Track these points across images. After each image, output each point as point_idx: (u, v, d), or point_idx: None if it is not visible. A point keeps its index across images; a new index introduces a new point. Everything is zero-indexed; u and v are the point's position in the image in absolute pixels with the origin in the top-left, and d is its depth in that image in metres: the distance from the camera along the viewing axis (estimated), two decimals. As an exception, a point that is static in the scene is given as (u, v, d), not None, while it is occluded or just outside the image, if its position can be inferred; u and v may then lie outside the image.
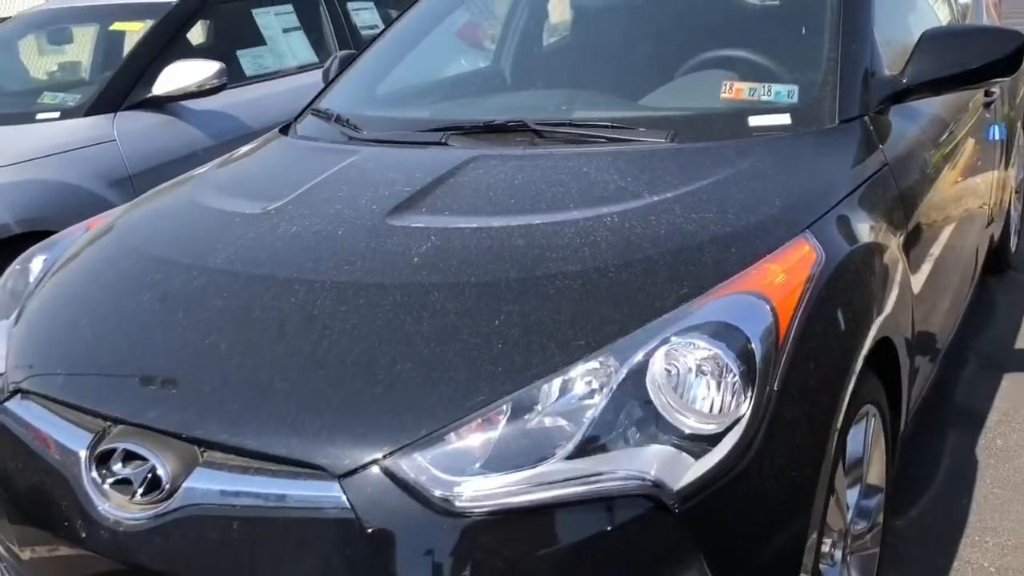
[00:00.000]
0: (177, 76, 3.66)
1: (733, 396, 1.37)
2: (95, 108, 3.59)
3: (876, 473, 1.89)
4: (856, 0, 2.23)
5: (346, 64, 2.96)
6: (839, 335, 1.56)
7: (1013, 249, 4.14)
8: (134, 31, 3.95)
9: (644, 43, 2.56)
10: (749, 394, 1.38)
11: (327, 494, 1.34)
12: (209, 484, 1.43)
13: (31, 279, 2.12)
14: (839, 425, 1.51)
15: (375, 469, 1.33)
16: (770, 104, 2.08)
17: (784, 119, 2.02)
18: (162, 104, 3.70)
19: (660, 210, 1.69)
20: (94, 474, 1.52)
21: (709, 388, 1.38)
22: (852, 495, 1.78)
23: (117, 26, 4.03)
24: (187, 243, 1.91)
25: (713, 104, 2.13)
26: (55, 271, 2.04)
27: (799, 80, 2.12)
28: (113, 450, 1.52)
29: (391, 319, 1.51)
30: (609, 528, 1.30)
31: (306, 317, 1.56)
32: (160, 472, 1.45)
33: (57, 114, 3.58)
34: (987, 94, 2.96)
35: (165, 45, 3.84)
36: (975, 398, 2.98)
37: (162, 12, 3.95)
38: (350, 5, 4.77)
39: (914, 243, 2.05)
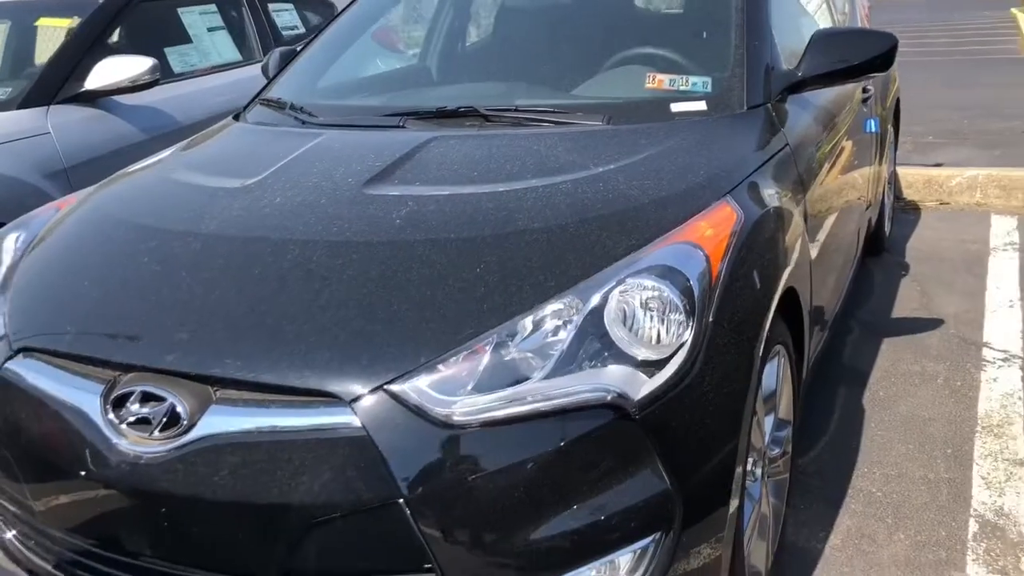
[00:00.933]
0: (110, 71, 3.75)
1: (677, 326, 1.66)
2: (28, 101, 3.65)
3: (785, 407, 2.22)
4: (757, 5, 2.57)
5: (287, 60, 3.14)
6: (758, 279, 1.86)
7: (888, 234, 4.62)
8: (61, 27, 4.00)
9: (571, 42, 2.85)
10: (691, 324, 1.66)
11: (340, 418, 1.55)
12: (225, 418, 1.62)
13: (7, 255, 2.24)
14: (760, 353, 1.81)
15: (382, 393, 1.55)
16: (688, 93, 2.39)
17: (701, 105, 2.34)
18: (94, 99, 3.78)
19: (606, 178, 1.97)
20: (111, 416, 1.68)
21: (656, 320, 1.66)
22: (768, 422, 2.09)
23: (43, 22, 4.07)
24: (175, 214, 2.08)
25: (640, 93, 2.43)
26: (39, 243, 2.17)
27: (712, 73, 2.44)
28: (128, 395, 1.69)
29: (384, 269, 1.74)
30: (581, 433, 1.56)
31: (305, 271, 1.77)
32: (179, 409, 1.63)
33: (-10, 107, 3.63)
34: (864, 91, 3.37)
35: (95, 41, 3.91)
36: (860, 359, 3.38)
37: (89, 9, 4.02)
38: (271, 6, 4.92)
39: (810, 215, 2.39)
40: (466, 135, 2.27)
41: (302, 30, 5.07)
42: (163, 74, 4.00)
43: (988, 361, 3.29)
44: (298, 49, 3.24)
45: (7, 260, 2.21)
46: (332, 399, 1.56)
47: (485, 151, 2.16)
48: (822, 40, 2.47)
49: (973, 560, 2.24)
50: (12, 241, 2.29)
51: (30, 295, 1.97)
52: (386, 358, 1.59)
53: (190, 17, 4.46)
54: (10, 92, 3.74)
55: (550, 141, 2.18)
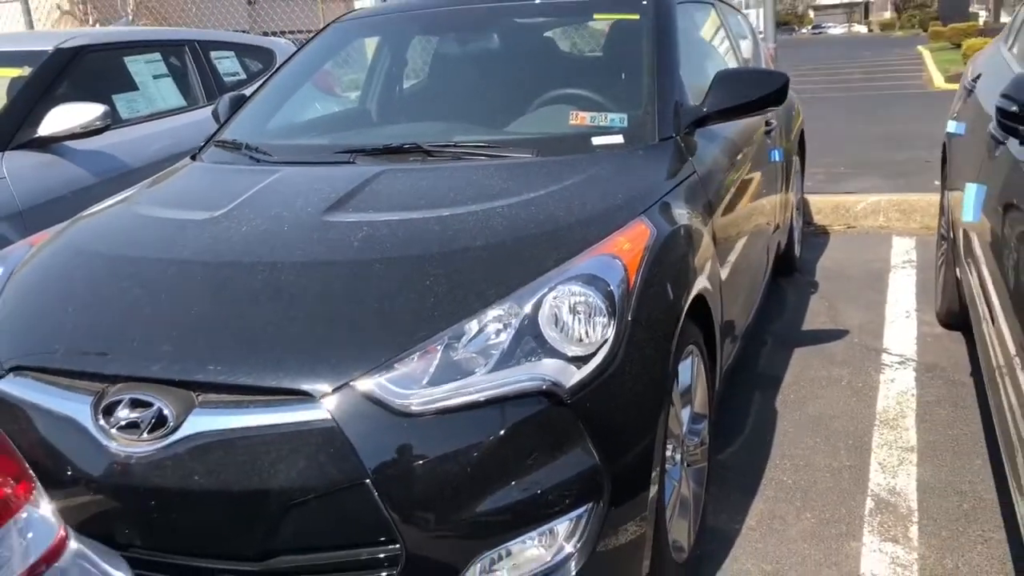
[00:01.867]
0: (62, 118, 3.92)
1: (601, 326, 1.93)
2: (-19, 147, 3.80)
3: (700, 402, 2.50)
4: (665, 49, 2.90)
5: (236, 105, 3.38)
6: (670, 286, 2.15)
7: (798, 255, 5.00)
8: (10, 76, 4.17)
9: (500, 84, 3.15)
10: (612, 323, 1.93)
11: (311, 413, 1.78)
12: (208, 418, 1.83)
13: None
14: (673, 349, 2.09)
15: (348, 389, 1.79)
16: (607, 128, 2.69)
17: (618, 139, 2.64)
18: (47, 144, 3.95)
19: (537, 202, 2.25)
20: (102, 422, 1.89)
21: (582, 321, 1.93)
22: (685, 414, 2.37)
23: (-5, 72, 4.23)
24: (149, 244, 2.30)
25: (564, 129, 2.73)
26: (19, 275, 2.36)
27: (627, 110, 2.75)
28: (116, 402, 1.89)
29: (345, 284, 1.98)
30: (522, 418, 1.82)
31: (274, 288, 2.00)
32: (166, 412, 1.84)
33: (-56, 153, 3.78)
34: (767, 124, 3.74)
35: (46, 89, 4.09)
36: (773, 367, 3.71)
37: (39, 59, 4.20)
38: (212, 54, 5.14)
39: (719, 232, 2.70)
40: (411, 168, 2.54)
41: (243, 76, 5.30)
42: (112, 120, 4.18)
43: (886, 364, 3.65)
44: (247, 94, 3.48)
45: None
46: (304, 396, 1.80)
47: (429, 182, 2.43)
48: (723, 79, 2.81)
49: (868, 532, 2.54)
50: None
51: (17, 320, 2.16)
52: (350, 359, 1.83)
53: (136, 65, 4.66)
54: (-35, 139, 3.89)
55: (486, 172, 2.46)
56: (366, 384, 1.79)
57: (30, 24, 8.13)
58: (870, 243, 5.46)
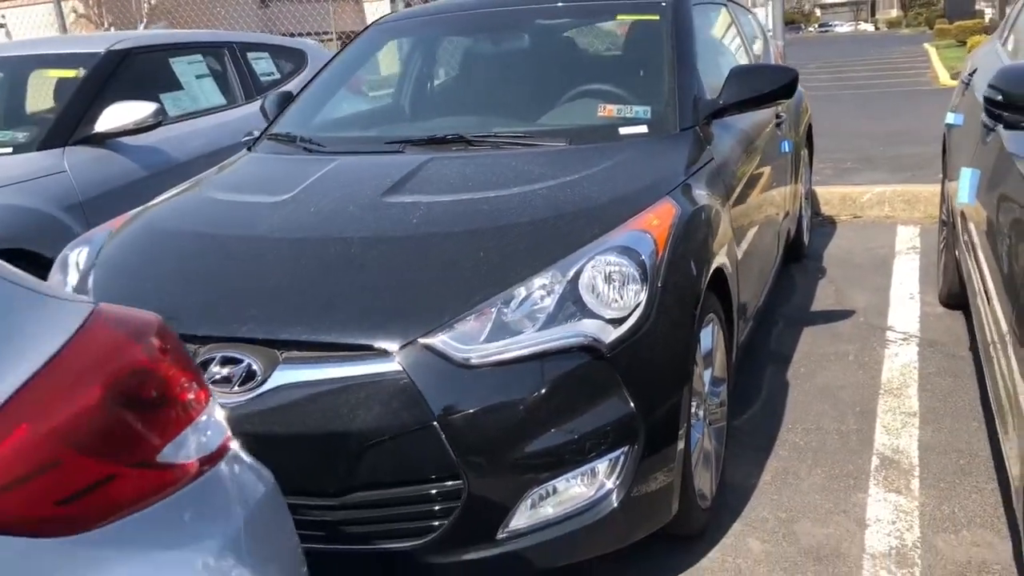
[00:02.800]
0: (117, 115, 4.20)
1: (634, 291, 2.19)
2: (45, 144, 4.09)
3: (720, 366, 2.76)
4: (683, 47, 3.16)
5: (284, 102, 3.66)
6: (693, 258, 2.41)
7: (807, 243, 5.25)
8: (68, 77, 4.45)
9: (533, 80, 3.41)
10: (644, 288, 2.20)
11: (385, 365, 2.05)
12: (292, 372, 2.10)
13: (74, 268, 2.69)
14: (698, 313, 2.35)
15: (416, 345, 2.05)
16: (632, 119, 2.96)
17: (643, 129, 2.91)
18: (103, 140, 4.23)
19: (573, 184, 2.51)
20: None
21: (618, 287, 2.19)
22: (707, 376, 2.63)
23: (52, 73, 4.52)
24: (226, 223, 2.57)
25: (593, 120, 2.99)
26: (106, 254, 2.63)
27: (650, 103, 3.01)
28: (209, 360, 2.16)
29: (409, 256, 2.25)
30: (566, 370, 2.08)
31: (345, 259, 2.27)
32: (255, 367, 2.11)
33: (10, 149, 4.06)
34: (777, 117, 3.99)
35: (100, 89, 4.37)
36: (784, 344, 3.96)
37: (92, 61, 4.48)
38: (250, 55, 5.42)
39: (735, 218, 2.95)
40: (456, 156, 2.81)
41: (278, 76, 5.58)
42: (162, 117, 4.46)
43: (891, 341, 3.90)
44: (293, 92, 3.75)
45: (77, 271, 2.67)
46: (378, 352, 2.06)
47: (474, 168, 2.70)
48: (738, 74, 3.07)
49: (874, 484, 2.80)
50: (76, 255, 2.74)
51: (111, 292, 2.43)
52: (418, 320, 2.09)
53: (180, 66, 4.94)
54: (28, 135, 4.17)
55: (525, 159, 2.73)
56: (431, 341, 2.06)
57: (63, 28, 8.43)
58: (876, 232, 5.71)
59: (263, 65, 5.53)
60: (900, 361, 3.69)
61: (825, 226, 5.94)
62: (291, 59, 5.80)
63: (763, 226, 3.51)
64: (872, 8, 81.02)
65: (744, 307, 3.14)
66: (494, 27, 3.69)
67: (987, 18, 30.40)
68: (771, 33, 6.03)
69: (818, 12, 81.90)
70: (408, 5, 7.19)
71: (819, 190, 6.19)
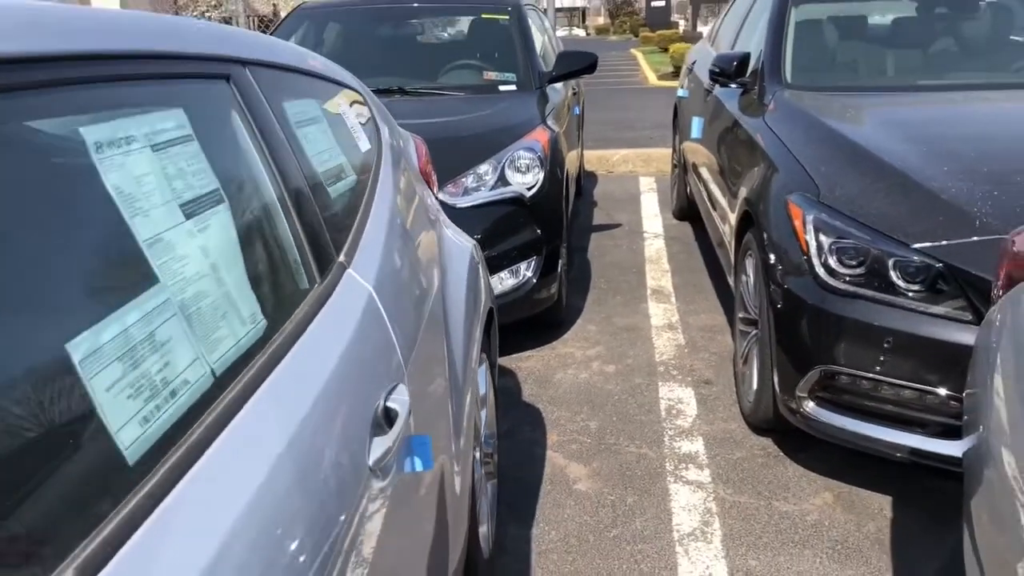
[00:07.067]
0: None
1: (536, 171, 3.95)
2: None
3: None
4: (527, 37, 4.97)
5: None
6: (558, 156, 4.21)
7: (582, 186, 7.26)
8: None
9: (428, 55, 5.07)
10: (543, 171, 3.96)
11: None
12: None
13: None
14: (563, 185, 4.16)
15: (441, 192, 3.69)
16: (505, 80, 4.71)
17: (513, 87, 4.68)
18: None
19: (487, 116, 4.23)
20: None
21: (528, 170, 3.94)
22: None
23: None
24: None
25: (480, 80, 4.72)
26: None
27: (516, 71, 4.79)
28: None
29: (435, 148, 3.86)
30: (508, 210, 3.81)
31: None
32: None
33: None
34: (574, 89, 5.91)
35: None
36: (583, 242, 5.88)
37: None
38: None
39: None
40: (404, 100, 4.43)
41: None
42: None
43: (647, 237, 5.94)
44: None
45: None
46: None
47: (422, 106, 4.33)
48: (563, 56, 4.94)
49: (651, 301, 4.75)
50: None
51: None
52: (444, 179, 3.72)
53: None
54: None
55: (448, 101, 4.43)
56: (442, 195, 3.69)
57: None
58: (625, 181, 7.85)
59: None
60: (654, 247, 5.73)
61: (589, 178, 8.01)
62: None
63: (573, 155, 5.40)
64: (583, 16, 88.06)
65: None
66: (396, 16, 5.29)
67: (681, 28, 35.05)
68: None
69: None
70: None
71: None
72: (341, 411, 1.19)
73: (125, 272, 0.90)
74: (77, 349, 0.78)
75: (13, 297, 0.75)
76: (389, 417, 1.32)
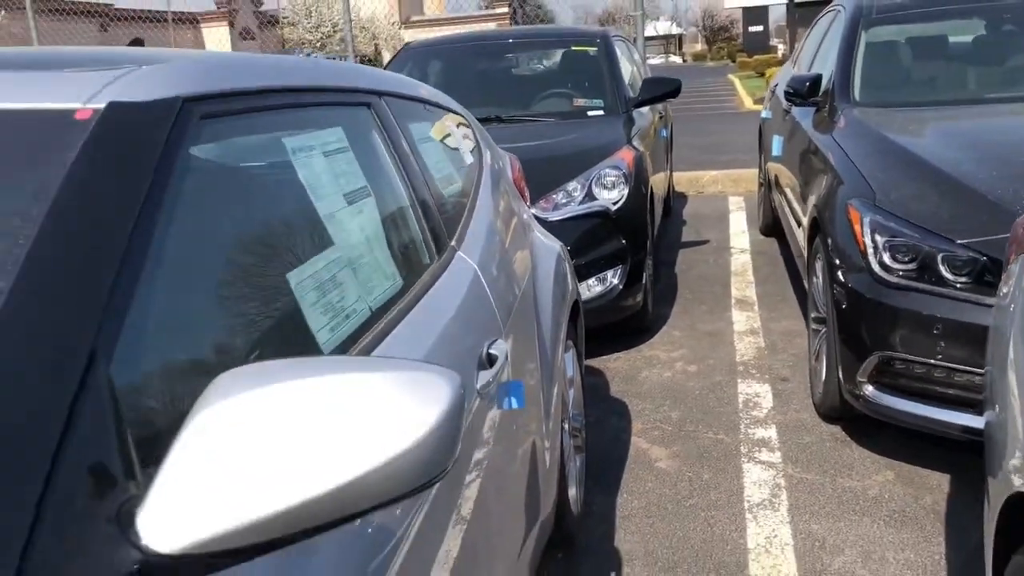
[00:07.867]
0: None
1: (621, 188, 4.33)
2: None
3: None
4: (615, 66, 5.36)
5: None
6: (642, 174, 4.57)
7: (671, 206, 7.59)
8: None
9: (522, 86, 5.52)
10: (628, 187, 4.34)
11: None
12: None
13: None
14: (648, 202, 4.52)
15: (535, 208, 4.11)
16: (593, 105, 5.12)
17: (601, 112, 5.07)
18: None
19: (576, 139, 4.64)
20: None
21: (613, 187, 4.33)
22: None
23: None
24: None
25: (570, 107, 5.14)
26: None
27: (603, 97, 5.19)
28: None
29: (530, 166, 4.31)
30: (595, 222, 4.19)
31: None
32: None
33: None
34: (660, 114, 6.28)
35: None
36: (671, 256, 6.21)
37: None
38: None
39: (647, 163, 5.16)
40: (503, 127, 4.88)
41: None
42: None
43: (733, 253, 6.23)
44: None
45: None
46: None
47: (518, 131, 4.77)
48: (648, 82, 5.31)
49: (735, 310, 5.04)
50: None
51: None
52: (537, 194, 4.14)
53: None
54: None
55: (542, 127, 4.84)
56: (534, 210, 4.11)
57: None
58: (714, 200, 8.14)
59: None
60: (740, 261, 6.01)
61: (680, 199, 8.32)
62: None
63: (662, 176, 5.75)
64: (679, 42, 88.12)
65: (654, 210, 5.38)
66: (492, 52, 5.78)
67: (780, 53, 34.91)
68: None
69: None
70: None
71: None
72: (456, 346, 1.60)
73: (315, 233, 1.33)
74: (293, 278, 1.21)
75: (257, 245, 1.19)
76: (491, 361, 1.72)
